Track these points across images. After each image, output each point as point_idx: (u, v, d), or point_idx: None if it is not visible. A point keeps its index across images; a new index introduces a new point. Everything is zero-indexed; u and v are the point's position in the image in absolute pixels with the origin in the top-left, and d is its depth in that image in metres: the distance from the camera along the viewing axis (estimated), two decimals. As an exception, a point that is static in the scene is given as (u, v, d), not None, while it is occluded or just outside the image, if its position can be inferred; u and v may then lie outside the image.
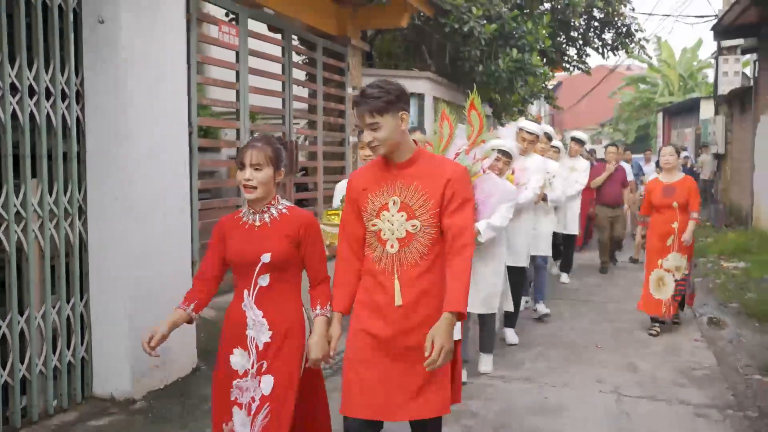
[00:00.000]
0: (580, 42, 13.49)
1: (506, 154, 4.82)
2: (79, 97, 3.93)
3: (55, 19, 3.75)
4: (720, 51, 13.69)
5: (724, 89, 13.43)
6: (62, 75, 3.80)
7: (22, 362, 3.61)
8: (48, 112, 3.73)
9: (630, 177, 10.23)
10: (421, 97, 9.73)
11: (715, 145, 15.15)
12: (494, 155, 4.60)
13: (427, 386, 2.54)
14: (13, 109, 3.53)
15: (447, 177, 2.53)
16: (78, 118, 3.93)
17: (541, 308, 6.48)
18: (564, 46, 13.36)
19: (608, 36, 13.62)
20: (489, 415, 4.11)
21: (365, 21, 8.47)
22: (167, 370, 4.28)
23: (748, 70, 14.16)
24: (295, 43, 7.23)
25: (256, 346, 2.57)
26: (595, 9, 12.78)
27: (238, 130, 6.10)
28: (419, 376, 2.52)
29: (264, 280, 2.57)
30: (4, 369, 3.52)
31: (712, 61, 16.86)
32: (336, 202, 4.51)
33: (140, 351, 2.58)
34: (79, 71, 3.92)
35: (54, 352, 3.82)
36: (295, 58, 7.13)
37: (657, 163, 7.45)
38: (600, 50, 13.81)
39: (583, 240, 10.33)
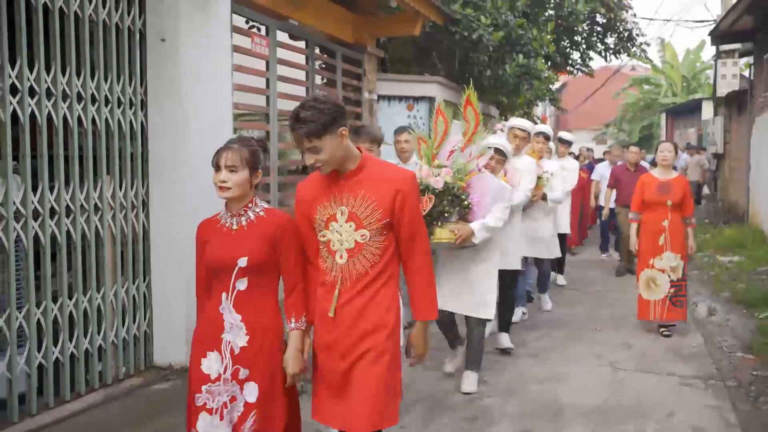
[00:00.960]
0: (584, 46, 14.02)
1: (501, 153, 4.71)
2: (143, 105, 4.53)
3: (125, 39, 4.35)
4: (719, 54, 14.21)
5: (722, 91, 13.93)
6: (130, 86, 4.40)
7: (98, 333, 4.21)
8: (119, 119, 4.33)
9: None
10: (431, 100, 10.29)
11: (714, 145, 15.69)
12: (490, 153, 4.53)
13: (372, 400, 2.49)
14: (93, 117, 4.13)
15: (396, 186, 2.48)
16: (142, 124, 4.52)
17: (545, 302, 6.82)
18: (568, 50, 13.90)
19: (610, 40, 14.17)
20: (499, 384, 4.69)
21: (380, 29, 9.05)
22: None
23: (748, 73, 14.68)
24: (316, 51, 7.81)
25: (231, 350, 2.53)
26: (597, 14, 13.34)
27: (268, 132, 6.68)
28: (368, 390, 2.49)
29: (242, 284, 2.54)
30: (86, 338, 4.11)
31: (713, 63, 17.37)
32: None
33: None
34: (143, 83, 4.52)
35: (123, 326, 4.41)
36: (317, 64, 7.72)
37: (653, 161, 7.86)
38: (602, 54, 14.36)
39: (578, 240, 10.57)
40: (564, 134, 8.01)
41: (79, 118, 4.04)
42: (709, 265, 9.36)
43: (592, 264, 9.71)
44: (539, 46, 10.56)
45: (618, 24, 13.70)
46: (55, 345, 3.91)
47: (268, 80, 6.59)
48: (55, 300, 3.91)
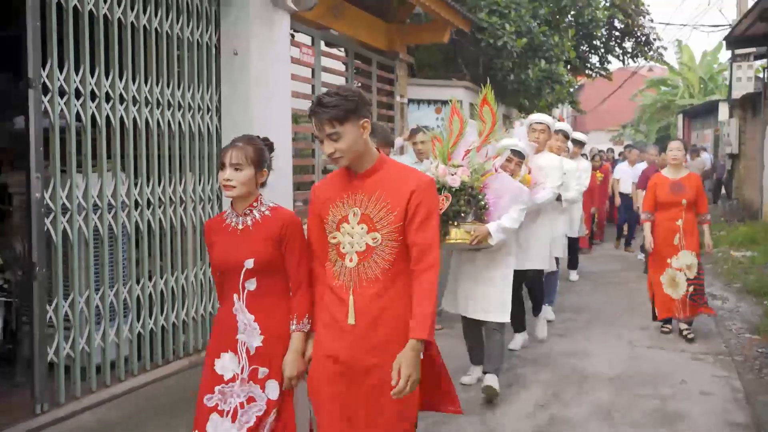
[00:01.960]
0: (602, 50, 14.54)
1: (518, 155, 4.58)
2: (218, 110, 5.17)
3: (204, 53, 5.00)
4: (734, 58, 14.67)
5: (737, 93, 14.40)
6: (207, 94, 5.05)
7: (183, 309, 4.86)
8: (198, 123, 4.98)
9: None
10: (459, 103, 10.86)
11: (729, 146, 16.15)
12: (506, 154, 4.42)
13: (389, 419, 2.43)
14: (179, 121, 4.78)
15: (411, 188, 2.37)
16: (216, 127, 5.17)
17: (549, 313, 6.28)
18: (587, 54, 14.43)
19: (628, 44, 14.68)
20: (529, 357, 5.28)
21: (411, 37, 9.68)
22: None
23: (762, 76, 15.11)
24: (354, 59, 8.43)
25: (247, 351, 2.52)
26: (616, 20, 13.87)
27: (312, 134, 7.31)
28: (382, 411, 2.42)
29: (251, 285, 2.53)
30: (172, 312, 4.76)
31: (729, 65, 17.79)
32: None
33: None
34: (217, 91, 5.16)
35: (201, 304, 5.05)
36: (354, 71, 8.34)
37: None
38: (621, 58, 14.87)
39: (590, 242, 10.68)
40: (577, 134, 7.89)
41: (168, 123, 4.69)
42: (723, 259, 9.86)
43: (611, 258, 10.28)
44: (560, 51, 11.10)
45: (636, 29, 14.22)
46: (150, 317, 4.56)
47: (313, 86, 7.21)
48: (150, 278, 4.57)
